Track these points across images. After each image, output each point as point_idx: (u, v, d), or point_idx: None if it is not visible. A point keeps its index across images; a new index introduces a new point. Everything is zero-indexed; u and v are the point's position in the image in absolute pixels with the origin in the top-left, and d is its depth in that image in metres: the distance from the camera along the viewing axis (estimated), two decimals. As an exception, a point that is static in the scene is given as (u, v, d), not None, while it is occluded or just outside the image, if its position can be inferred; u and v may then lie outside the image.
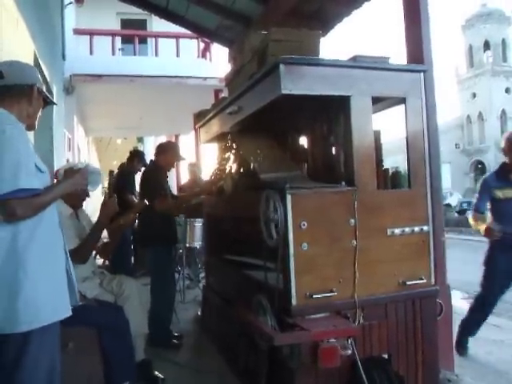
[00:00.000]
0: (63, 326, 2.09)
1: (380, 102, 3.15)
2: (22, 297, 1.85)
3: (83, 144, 13.98)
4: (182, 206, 4.85)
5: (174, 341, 4.37)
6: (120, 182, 6.97)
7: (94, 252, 3.63)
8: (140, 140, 20.75)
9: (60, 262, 2.09)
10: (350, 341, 2.58)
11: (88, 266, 3.47)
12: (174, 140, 15.63)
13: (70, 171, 2.42)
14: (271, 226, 2.74)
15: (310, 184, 3.02)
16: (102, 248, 3.63)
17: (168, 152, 4.62)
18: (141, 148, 21.17)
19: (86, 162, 2.45)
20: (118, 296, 3.41)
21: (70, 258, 2.20)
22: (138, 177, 7.05)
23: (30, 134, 4.28)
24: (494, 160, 42.51)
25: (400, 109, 3.16)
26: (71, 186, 2.20)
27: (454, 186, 41.24)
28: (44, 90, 2.23)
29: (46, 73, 5.86)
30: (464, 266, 9.25)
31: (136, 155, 7.16)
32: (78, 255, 3.06)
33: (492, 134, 43.14)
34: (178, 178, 12.65)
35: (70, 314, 2.05)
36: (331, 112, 3.18)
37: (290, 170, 3.36)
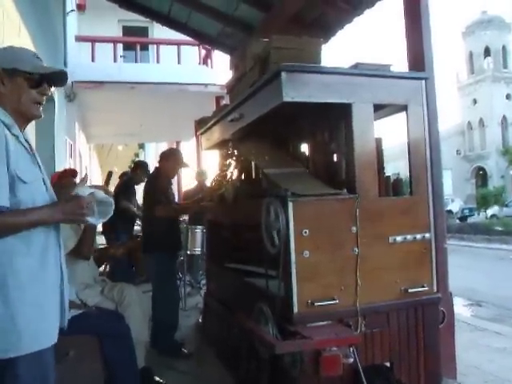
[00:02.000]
0: (63, 335, 2.05)
1: (381, 110, 3.15)
2: None
3: (85, 150, 14.01)
4: (182, 213, 4.85)
5: (184, 350, 4.32)
6: (118, 189, 6.98)
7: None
8: (141, 146, 20.80)
9: (49, 286, 1.85)
10: (351, 349, 2.56)
11: (89, 273, 3.47)
12: (174, 146, 15.67)
13: (69, 197, 1.91)
14: (273, 233, 2.73)
15: (314, 182, 3.03)
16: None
17: (171, 159, 4.64)
18: (142, 154, 21.29)
19: (93, 190, 2.01)
20: (119, 304, 3.40)
21: (66, 276, 1.98)
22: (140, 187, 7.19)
23: (31, 140, 4.29)
24: (495, 166, 42.59)
25: (401, 115, 3.16)
26: (61, 215, 1.83)
27: (456, 192, 41.21)
28: (22, 67, 1.85)
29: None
30: (466, 272, 9.26)
31: (139, 166, 7.24)
32: (79, 252, 3.11)
33: (493, 141, 43.19)
34: (179, 185, 12.64)
35: (55, 341, 1.85)
36: (333, 119, 3.18)
37: (294, 167, 3.35)
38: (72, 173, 3.66)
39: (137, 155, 22.23)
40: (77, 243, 3.14)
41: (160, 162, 4.68)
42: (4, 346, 1.69)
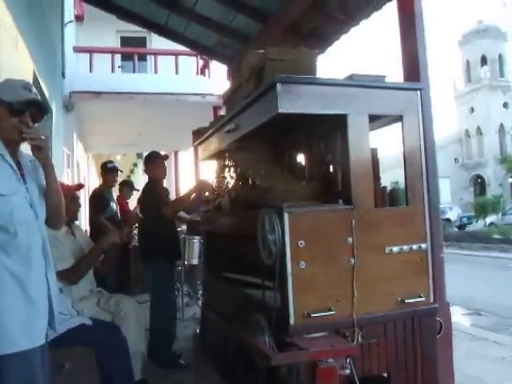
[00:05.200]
0: (59, 347, 2.06)
1: (377, 120, 3.16)
2: None
3: (83, 160, 14.00)
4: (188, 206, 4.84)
5: (181, 361, 4.30)
6: (92, 205, 6.59)
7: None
8: (139, 156, 20.75)
9: (34, 291, 1.99)
10: (348, 360, 2.55)
11: (86, 284, 3.46)
12: (173, 156, 15.69)
13: None
14: (269, 244, 2.73)
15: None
16: (99, 265, 3.60)
17: (153, 161, 4.71)
18: (140, 164, 21.25)
19: None
20: (115, 315, 3.39)
21: (53, 284, 2.10)
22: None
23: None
24: (493, 174, 42.67)
25: (398, 124, 3.17)
26: None
27: (454, 200, 41.25)
28: (4, 97, 2.03)
29: (45, 91, 5.90)
30: (465, 281, 9.25)
31: (125, 184, 7.70)
32: (70, 276, 3.09)
33: (491, 149, 43.33)
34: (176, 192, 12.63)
35: (42, 342, 2.01)
36: (328, 130, 3.19)
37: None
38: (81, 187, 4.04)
39: (135, 165, 22.22)
40: (70, 268, 3.13)
41: (146, 168, 4.75)
42: None
